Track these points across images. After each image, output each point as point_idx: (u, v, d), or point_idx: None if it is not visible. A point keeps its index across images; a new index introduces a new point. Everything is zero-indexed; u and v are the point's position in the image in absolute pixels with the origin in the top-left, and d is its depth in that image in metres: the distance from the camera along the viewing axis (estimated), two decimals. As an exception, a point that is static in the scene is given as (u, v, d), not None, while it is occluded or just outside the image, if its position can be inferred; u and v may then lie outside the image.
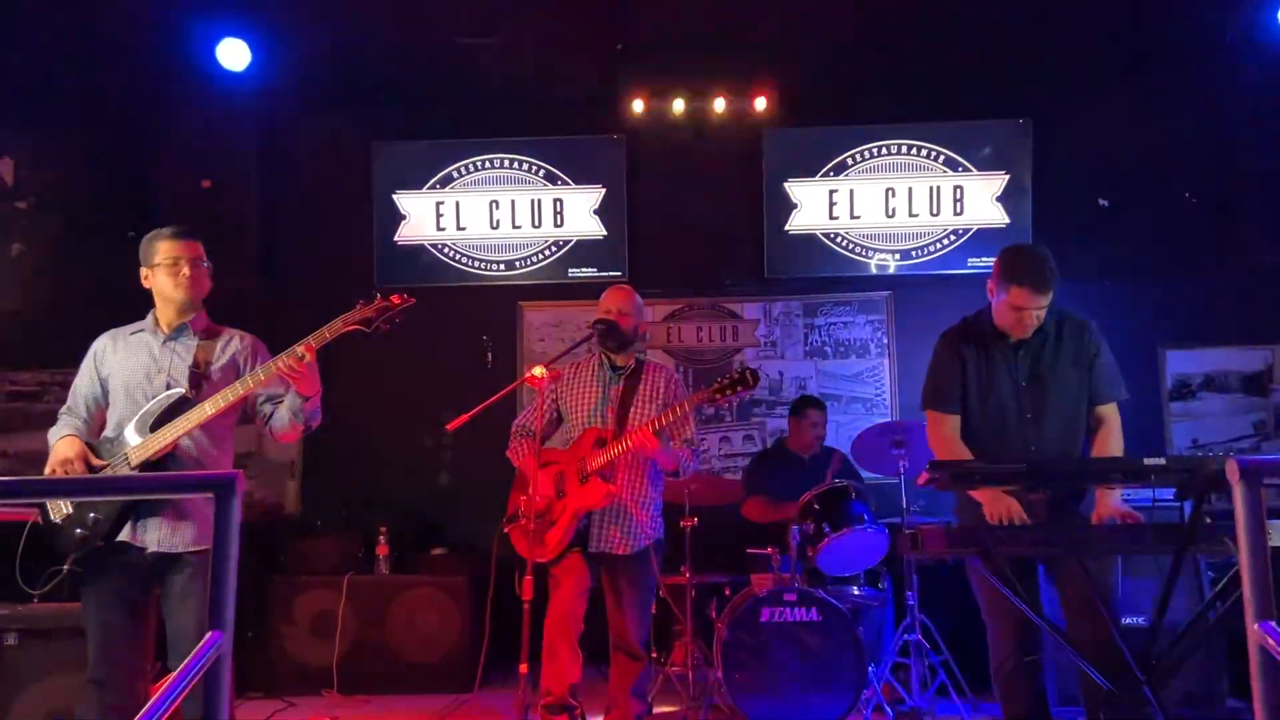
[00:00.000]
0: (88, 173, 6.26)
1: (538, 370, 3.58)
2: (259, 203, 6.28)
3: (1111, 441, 3.18)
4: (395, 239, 6.32)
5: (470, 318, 6.25)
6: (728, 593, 4.69)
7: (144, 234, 3.20)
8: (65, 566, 2.92)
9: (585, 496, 3.62)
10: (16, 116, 6.16)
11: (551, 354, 6.05)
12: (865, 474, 5.13)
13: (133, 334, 3.20)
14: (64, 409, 3.19)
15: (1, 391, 6.23)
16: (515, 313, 6.31)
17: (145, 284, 3.20)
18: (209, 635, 1.82)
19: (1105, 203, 6.00)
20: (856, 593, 4.48)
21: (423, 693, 5.10)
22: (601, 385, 3.78)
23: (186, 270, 3.11)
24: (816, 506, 4.42)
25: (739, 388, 3.59)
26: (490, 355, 6.25)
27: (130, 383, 3.09)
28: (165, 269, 3.12)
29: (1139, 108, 5.92)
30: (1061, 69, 6.00)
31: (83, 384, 3.18)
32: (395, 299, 3.10)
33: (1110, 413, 3.23)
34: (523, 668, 3.25)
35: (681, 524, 4.60)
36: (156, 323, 3.19)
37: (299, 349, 2.97)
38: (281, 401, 3.15)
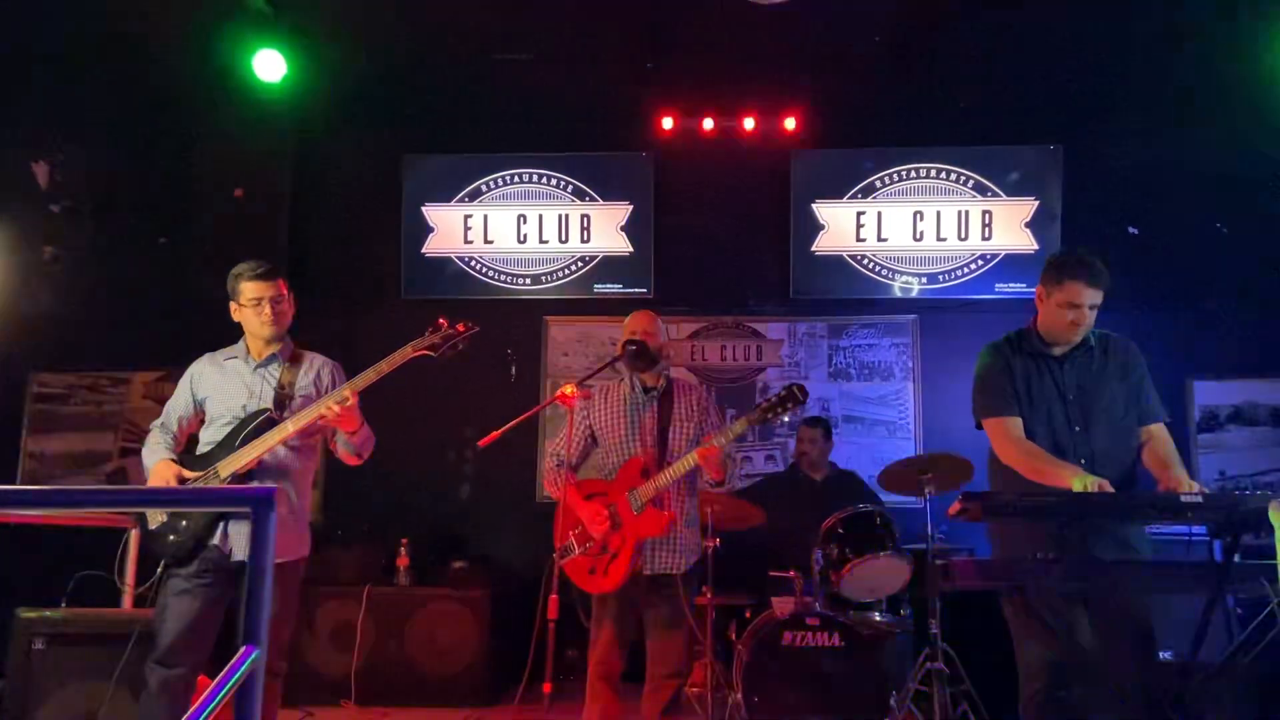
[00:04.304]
0: (121, 178, 6.34)
1: (568, 388, 3.57)
2: (290, 212, 6.34)
3: (1175, 459, 3.10)
4: (423, 251, 6.36)
5: (495, 331, 6.24)
6: (748, 615, 4.66)
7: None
8: (159, 570, 3.16)
9: (645, 526, 3.58)
10: (53, 121, 6.25)
11: (576, 369, 6.10)
12: (890, 498, 5.09)
13: (226, 359, 3.45)
14: (156, 423, 3.41)
15: (31, 393, 6.29)
16: (540, 327, 6.33)
17: (235, 317, 3.42)
18: (243, 650, 1.82)
19: (1135, 231, 5.97)
20: (879, 619, 4.45)
21: (441, 706, 5.09)
22: (633, 408, 3.75)
23: (268, 310, 3.35)
24: (840, 531, 4.40)
25: (789, 405, 3.55)
26: (514, 369, 6.27)
27: (224, 406, 3.34)
28: (250, 309, 3.36)
29: (1170, 136, 5.89)
30: (1093, 96, 6.00)
31: (179, 403, 3.42)
32: (460, 326, 3.34)
33: (1160, 431, 3.19)
34: (546, 687, 3.24)
35: (704, 544, 4.58)
36: (247, 350, 3.44)
37: (344, 391, 3.20)
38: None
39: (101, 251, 6.27)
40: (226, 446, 3.25)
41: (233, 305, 3.41)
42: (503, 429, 3.56)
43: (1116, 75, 5.92)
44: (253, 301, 3.34)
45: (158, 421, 3.42)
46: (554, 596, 3.26)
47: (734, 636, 4.60)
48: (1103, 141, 6.02)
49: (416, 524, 5.77)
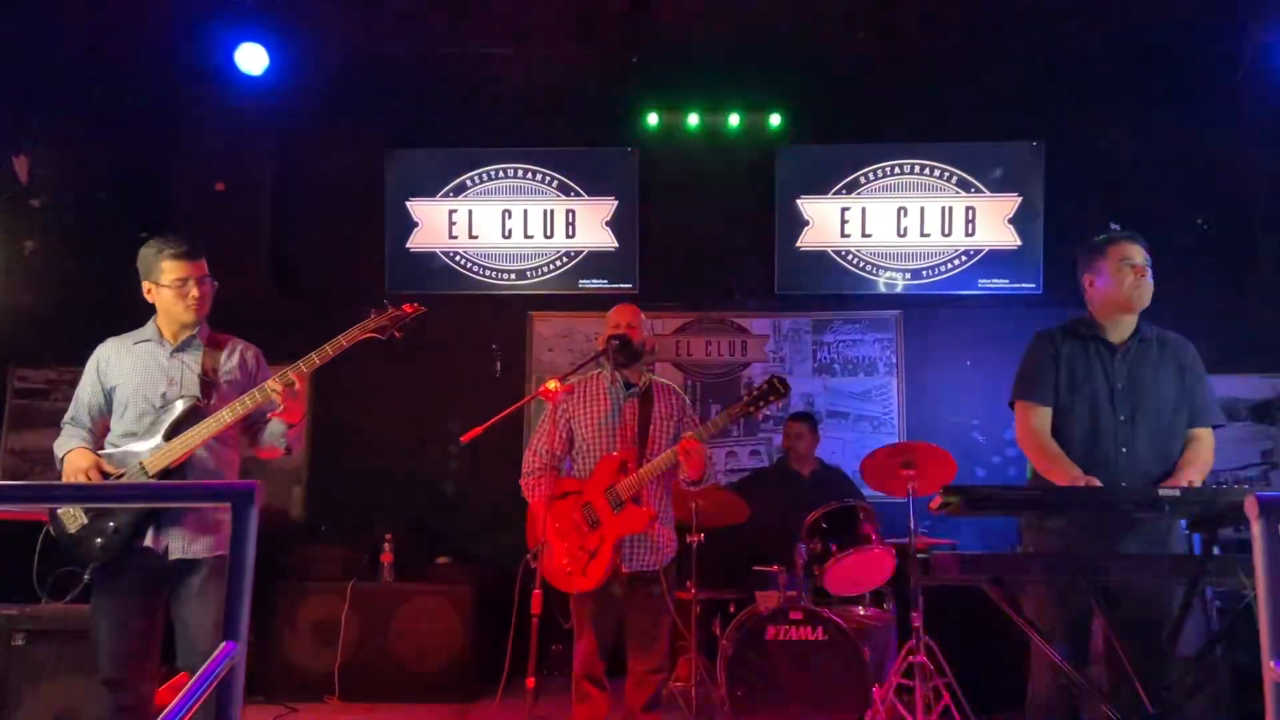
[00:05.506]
0: (102, 172, 6.29)
1: (551, 384, 3.55)
2: (272, 207, 6.29)
3: (1197, 463, 3.09)
4: (407, 246, 6.34)
5: (480, 326, 6.26)
6: (733, 609, 4.68)
7: (155, 235, 3.10)
8: (86, 576, 2.90)
9: (626, 524, 3.56)
10: (33, 114, 6.19)
11: (561, 364, 6.09)
12: (872, 494, 5.11)
13: (136, 344, 3.16)
14: (67, 419, 3.14)
15: (11, 388, 6.24)
16: (525, 322, 6.32)
17: (148, 297, 3.14)
18: (224, 646, 1.80)
19: (1117, 227, 5.97)
20: (862, 612, 4.47)
21: (424, 701, 5.09)
22: (614, 401, 3.73)
23: (194, 291, 3.08)
24: (824, 525, 4.41)
25: (771, 397, 3.53)
26: (499, 364, 6.26)
27: (140, 394, 3.07)
28: (172, 290, 3.08)
29: (1152, 133, 5.93)
30: (1075, 93, 6.03)
31: (85, 393, 3.13)
32: (407, 307, 3.13)
33: (1205, 435, 3.16)
34: (529, 681, 3.24)
35: (688, 539, 4.58)
36: (160, 334, 3.16)
37: (290, 375, 2.96)
38: (268, 420, 3.15)
39: (82, 246, 6.22)
40: (150, 439, 2.98)
41: (146, 285, 3.10)
42: (486, 424, 3.53)
43: (1098, 71, 5.94)
44: (177, 283, 3.05)
45: (67, 417, 3.12)
46: (537, 591, 3.25)
47: (718, 631, 4.61)
48: (1084, 138, 6.05)
49: (400, 520, 5.76)
